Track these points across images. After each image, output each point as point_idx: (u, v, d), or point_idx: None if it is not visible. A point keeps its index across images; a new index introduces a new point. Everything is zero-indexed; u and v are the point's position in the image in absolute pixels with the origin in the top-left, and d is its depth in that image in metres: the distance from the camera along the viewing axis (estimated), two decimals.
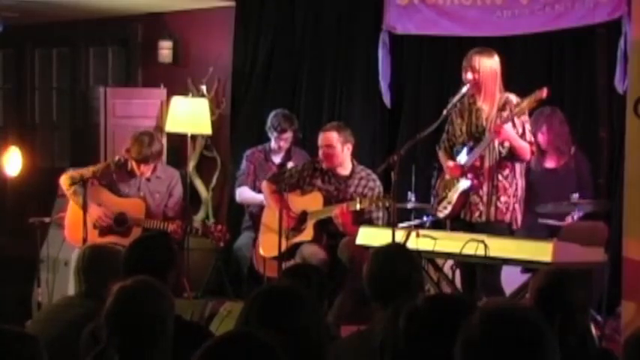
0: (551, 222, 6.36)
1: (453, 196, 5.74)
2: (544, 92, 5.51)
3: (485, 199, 5.66)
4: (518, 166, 5.74)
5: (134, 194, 6.89)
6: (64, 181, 6.88)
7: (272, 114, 7.32)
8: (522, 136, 5.65)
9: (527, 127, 5.70)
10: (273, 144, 7.31)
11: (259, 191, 7.13)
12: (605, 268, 5.62)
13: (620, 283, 5.64)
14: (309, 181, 6.71)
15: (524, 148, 5.64)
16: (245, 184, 7.37)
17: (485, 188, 5.66)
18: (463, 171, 5.70)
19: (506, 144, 5.65)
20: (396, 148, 6.80)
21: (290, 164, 6.97)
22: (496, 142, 5.65)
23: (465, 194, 5.70)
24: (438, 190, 5.90)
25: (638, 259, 5.50)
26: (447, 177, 5.85)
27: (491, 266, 5.47)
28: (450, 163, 5.79)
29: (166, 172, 7.12)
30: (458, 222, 5.74)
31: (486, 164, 5.67)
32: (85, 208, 6.46)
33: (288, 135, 7.27)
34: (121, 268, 3.86)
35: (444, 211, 5.81)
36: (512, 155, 5.67)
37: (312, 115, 7.87)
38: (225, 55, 8.47)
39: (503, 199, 5.64)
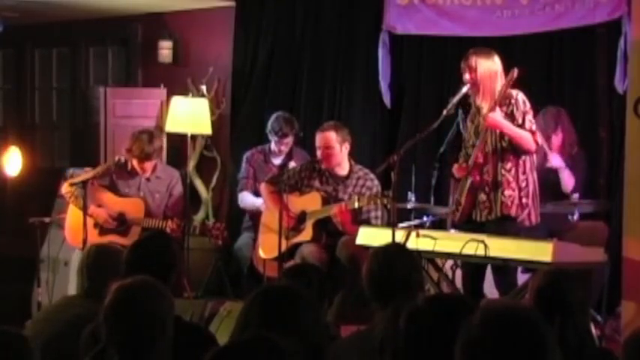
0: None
1: (462, 198, 5.70)
2: (515, 72, 5.51)
3: (491, 195, 5.61)
4: (528, 160, 5.65)
5: (134, 194, 6.90)
6: (66, 189, 6.89)
7: (273, 117, 7.27)
8: (522, 125, 5.58)
9: (529, 117, 5.59)
10: (273, 147, 7.27)
11: (259, 193, 7.11)
12: (605, 268, 5.61)
13: (620, 283, 5.64)
14: (307, 182, 6.71)
15: (524, 137, 5.54)
16: (246, 189, 7.33)
17: (489, 184, 5.62)
18: (468, 170, 5.67)
19: (507, 137, 5.60)
20: (396, 148, 6.80)
21: (292, 164, 6.97)
22: (497, 137, 5.61)
23: (472, 193, 5.66)
24: (454, 196, 5.84)
25: (638, 259, 5.51)
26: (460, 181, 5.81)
27: (506, 267, 5.43)
28: (456, 165, 5.76)
29: (166, 171, 7.13)
30: (469, 224, 5.67)
31: (489, 160, 5.63)
32: (85, 209, 6.47)
33: (289, 139, 7.22)
34: (122, 269, 3.86)
35: (457, 214, 5.76)
36: (514, 146, 5.62)
37: (312, 115, 7.86)
38: (225, 55, 8.47)
39: (507, 192, 5.57)
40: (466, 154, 5.79)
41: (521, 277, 5.77)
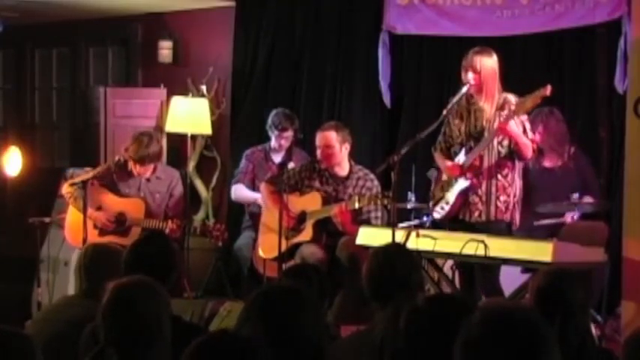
0: (546, 222, 6.35)
1: (451, 196, 5.73)
2: (548, 89, 5.48)
3: (484, 198, 5.64)
4: (517, 166, 5.73)
5: (134, 194, 6.90)
6: (66, 190, 6.88)
7: (273, 112, 7.31)
8: (523, 134, 5.64)
9: (527, 125, 5.70)
10: (273, 143, 7.29)
11: (258, 191, 7.11)
12: (605, 268, 5.62)
13: (620, 283, 5.64)
14: (307, 183, 6.71)
15: (528, 145, 5.62)
16: (241, 182, 7.36)
17: (484, 188, 5.65)
18: (462, 171, 5.69)
19: (505, 143, 5.64)
20: (396, 148, 6.80)
21: (291, 164, 6.97)
22: (495, 142, 5.64)
23: (464, 194, 5.69)
24: (434, 191, 5.90)
25: (638, 259, 5.51)
26: (445, 178, 5.84)
27: (490, 266, 5.46)
28: (449, 163, 5.78)
29: (166, 172, 7.13)
30: (457, 223, 5.72)
31: (485, 164, 5.66)
32: (85, 208, 6.46)
33: (289, 134, 7.25)
34: (121, 270, 3.86)
35: (440, 212, 5.80)
36: (514, 153, 5.65)
37: (312, 115, 7.86)
38: (225, 55, 8.47)
39: (502, 198, 5.63)
40: (447, 148, 5.83)
41: (521, 277, 5.77)
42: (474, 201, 5.67)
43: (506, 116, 5.56)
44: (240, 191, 7.38)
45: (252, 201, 7.24)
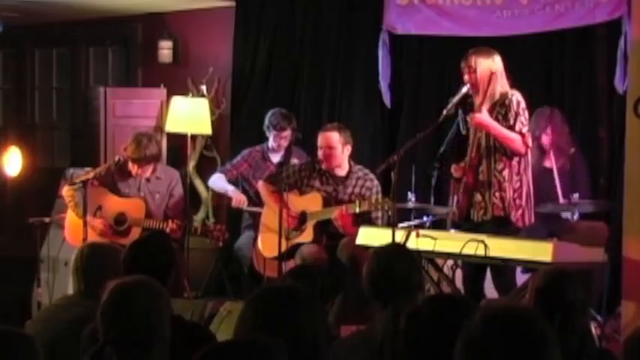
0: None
1: (460, 196, 5.71)
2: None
3: (486, 196, 5.63)
4: (522, 161, 5.66)
5: (134, 194, 6.90)
6: (66, 192, 6.88)
7: (270, 113, 7.31)
8: (512, 127, 5.59)
9: (520, 119, 5.59)
10: (272, 143, 7.29)
11: (256, 190, 7.11)
12: (605, 268, 5.61)
13: (620, 283, 5.64)
14: (307, 182, 6.70)
15: (511, 138, 5.55)
16: (223, 173, 7.38)
17: (484, 185, 5.63)
18: (464, 170, 5.68)
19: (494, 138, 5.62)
20: (396, 148, 6.80)
21: (295, 161, 6.97)
22: (491, 140, 5.62)
23: (466, 193, 5.67)
24: (456, 196, 5.85)
25: (638, 259, 5.50)
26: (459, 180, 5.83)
27: (504, 267, 5.43)
28: (454, 165, 5.77)
29: (166, 172, 7.13)
30: (467, 223, 5.70)
31: (483, 161, 5.65)
32: (85, 210, 6.46)
33: (287, 133, 7.25)
34: (121, 269, 3.85)
35: (456, 213, 5.78)
36: (504, 149, 5.61)
37: (312, 115, 7.87)
38: (225, 55, 8.48)
39: (498, 194, 5.60)
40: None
41: (521, 277, 5.77)
42: (478, 199, 5.65)
43: (476, 108, 5.55)
44: (218, 182, 7.41)
45: (222, 192, 7.34)
